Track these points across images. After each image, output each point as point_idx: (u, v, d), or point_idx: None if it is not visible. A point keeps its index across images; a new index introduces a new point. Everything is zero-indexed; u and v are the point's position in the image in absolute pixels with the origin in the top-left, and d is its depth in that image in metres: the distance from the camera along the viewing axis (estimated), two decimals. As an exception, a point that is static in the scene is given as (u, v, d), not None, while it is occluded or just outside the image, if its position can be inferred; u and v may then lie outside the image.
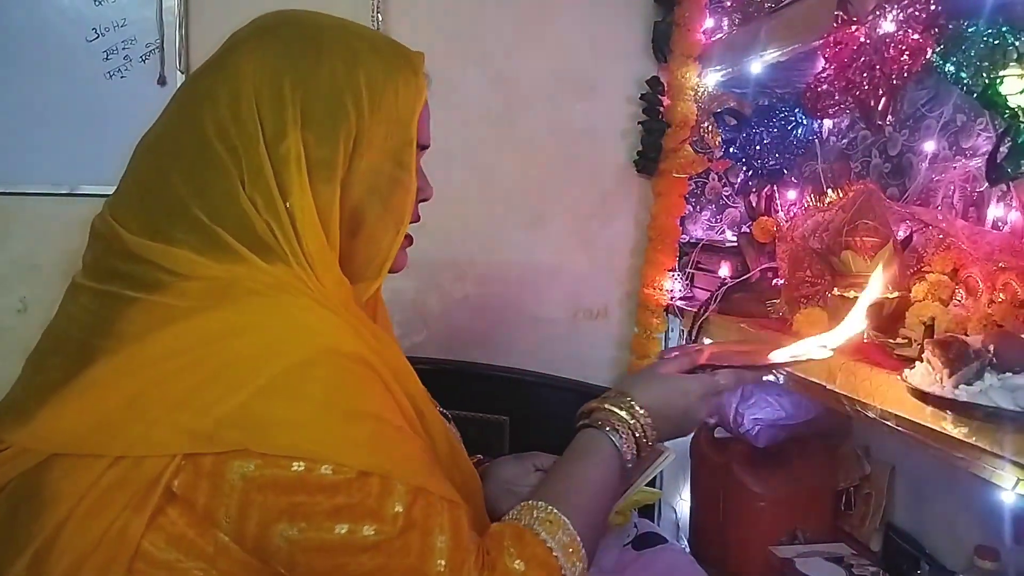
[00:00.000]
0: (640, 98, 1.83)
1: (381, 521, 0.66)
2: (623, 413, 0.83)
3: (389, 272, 0.83)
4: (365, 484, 0.66)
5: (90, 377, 0.69)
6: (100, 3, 1.65)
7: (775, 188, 1.73)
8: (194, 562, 0.67)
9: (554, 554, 0.73)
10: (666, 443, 0.93)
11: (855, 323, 0.89)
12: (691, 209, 1.87)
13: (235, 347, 0.68)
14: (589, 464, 0.82)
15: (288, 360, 0.67)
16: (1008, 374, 0.80)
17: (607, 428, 0.83)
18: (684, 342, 1.71)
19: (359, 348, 0.72)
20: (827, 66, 1.32)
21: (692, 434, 1.80)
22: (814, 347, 0.88)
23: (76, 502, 0.67)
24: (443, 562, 0.67)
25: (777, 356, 0.89)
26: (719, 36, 1.72)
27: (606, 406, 0.84)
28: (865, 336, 1.08)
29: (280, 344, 0.68)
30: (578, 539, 0.75)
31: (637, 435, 0.83)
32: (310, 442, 0.66)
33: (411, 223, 0.84)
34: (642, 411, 0.84)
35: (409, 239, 0.86)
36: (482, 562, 0.70)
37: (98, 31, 1.65)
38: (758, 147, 1.57)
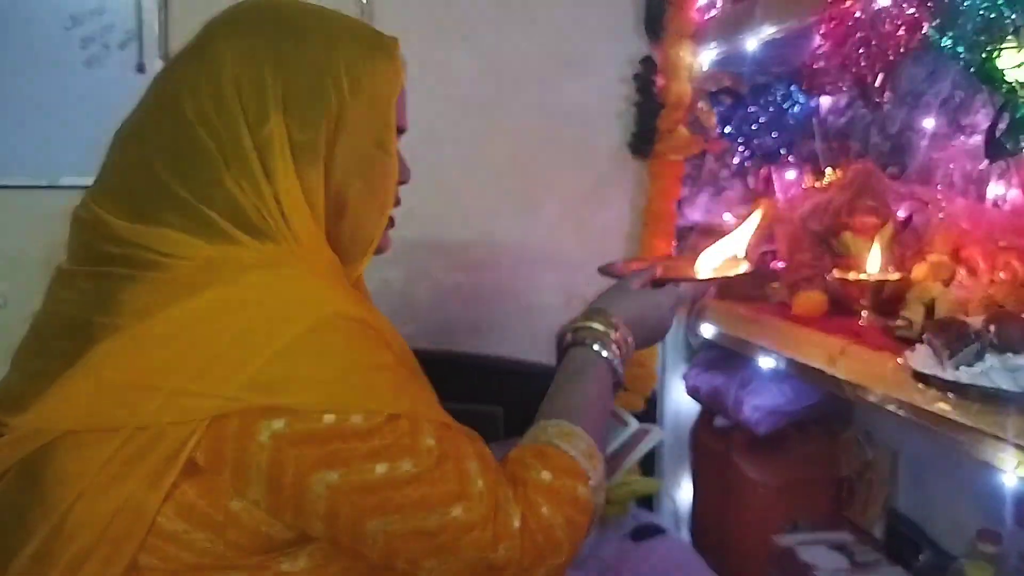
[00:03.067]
0: (633, 78, 1.79)
1: (417, 455, 0.69)
2: (605, 328, 0.90)
3: (374, 254, 0.85)
4: (396, 426, 0.69)
5: (99, 354, 0.69)
6: (77, -9, 1.62)
7: (773, 169, 1.70)
8: (202, 532, 0.68)
9: (577, 462, 0.77)
10: (663, 424, 0.97)
11: (750, 227, 1.06)
12: (687, 191, 1.84)
13: (246, 317, 0.69)
14: (586, 379, 0.87)
15: (301, 325, 0.69)
16: (1009, 354, 0.79)
17: (595, 343, 0.88)
18: (683, 327, 1.70)
19: (360, 311, 0.74)
20: (823, 43, 1.30)
21: (693, 421, 1.79)
22: (734, 259, 1.04)
23: (92, 479, 0.67)
24: (480, 482, 0.71)
25: (703, 272, 1.04)
26: (713, 13, 1.69)
27: (589, 324, 0.90)
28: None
29: (290, 311, 0.70)
30: (595, 445, 0.80)
31: (620, 345, 0.90)
32: (337, 395, 0.68)
33: (393, 207, 0.85)
34: (622, 324, 0.91)
35: (391, 221, 0.87)
36: (513, 479, 0.75)
37: (75, 19, 1.62)
38: (754, 127, 1.55)
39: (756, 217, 1.10)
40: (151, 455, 0.66)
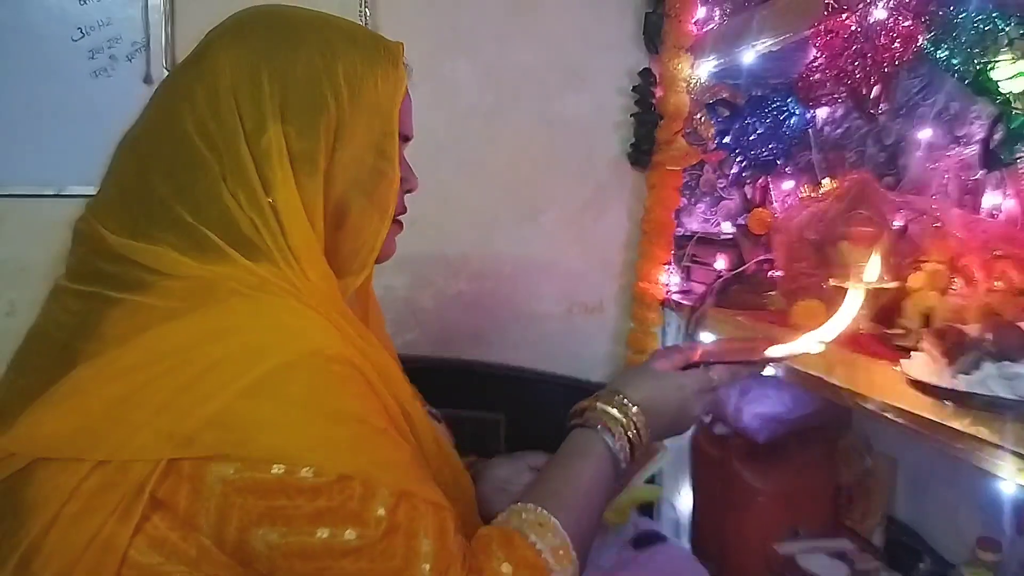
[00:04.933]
0: (632, 90, 1.81)
1: (363, 525, 0.65)
2: (616, 412, 0.82)
3: (377, 262, 0.83)
4: (347, 487, 0.65)
5: (73, 380, 0.68)
6: (85, 2, 1.63)
7: (770, 179, 1.72)
8: (176, 566, 0.66)
9: (543, 557, 0.71)
10: (664, 441, 0.91)
11: (846, 315, 0.87)
12: (686, 202, 1.86)
13: (218, 350, 0.67)
14: (581, 465, 0.80)
15: (270, 363, 0.66)
16: (1006, 362, 0.80)
17: (599, 428, 0.81)
18: (682, 336, 1.70)
19: (344, 350, 0.71)
20: (819, 55, 1.31)
21: (692, 429, 1.79)
22: (808, 341, 0.87)
23: (59, 507, 0.65)
24: (428, 566, 0.66)
25: (773, 352, 0.88)
26: (711, 26, 1.70)
27: (598, 405, 0.83)
28: (860, 327, 1.07)
29: (262, 347, 0.67)
30: (568, 541, 0.73)
31: (630, 434, 0.82)
32: (290, 445, 0.65)
33: (397, 215, 0.83)
34: (635, 409, 0.82)
35: (399, 225, 0.85)
36: (469, 566, 0.69)
37: (83, 30, 1.63)
38: (752, 138, 1.56)
39: (856, 301, 0.89)
40: (118, 488, 0.65)
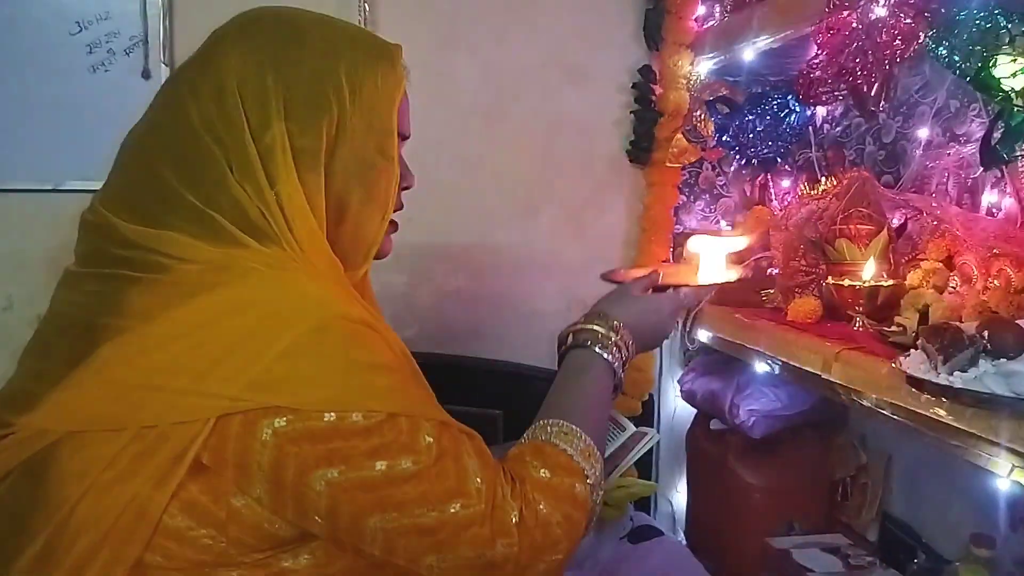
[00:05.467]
0: (632, 87, 1.81)
1: (416, 453, 0.70)
2: (606, 331, 0.91)
3: (375, 258, 0.86)
4: (395, 424, 0.70)
5: (103, 356, 0.70)
6: (82, -4, 1.63)
7: (769, 177, 1.72)
8: (205, 529, 0.69)
9: (575, 460, 0.79)
10: (659, 426, 0.98)
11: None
12: (685, 199, 1.86)
13: (249, 319, 0.71)
14: (586, 380, 0.88)
15: (302, 326, 0.70)
16: (1002, 360, 0.80)
17: (595, 345, 0.90)
18: (680, 333, 1.71)
19: (362, 313, 0.75)
20: (819, 52, 1.31)
21: (689, 424, 1.80)
22: (723, 269, 1.06)
23: (93, 478, 0.68)
24: (479, 479, 0.73)
25: (704, 278, 1.05)
26: (711, 23, 1.70)
27: (590, 326, 0.91)
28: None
29: (292, 313, 0.71)
30: (592, 444, 0.81)
31: (620, 348, 0.91)
32: (337, 394, 0.69)
33: (395, 211, 0.86)
34: (623, 327, 0.92)
35: (394, 225, 0.88)
36: (511, 476, 0.76)
37: (81, 24, 1.63)
38: (751, 135, 1.56)
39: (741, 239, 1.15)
40: (157, 455, 0.67)
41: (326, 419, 0.68)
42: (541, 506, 0.75)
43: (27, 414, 0.71)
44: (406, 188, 0.89)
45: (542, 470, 0.77)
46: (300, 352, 0.69)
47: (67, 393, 0.71)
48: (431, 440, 0.72)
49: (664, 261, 1.72)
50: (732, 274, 1.06)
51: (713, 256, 1.06)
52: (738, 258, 1.15)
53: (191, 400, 0.68)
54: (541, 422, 0.83)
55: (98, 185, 0.80)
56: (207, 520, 0.69)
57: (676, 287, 1.02)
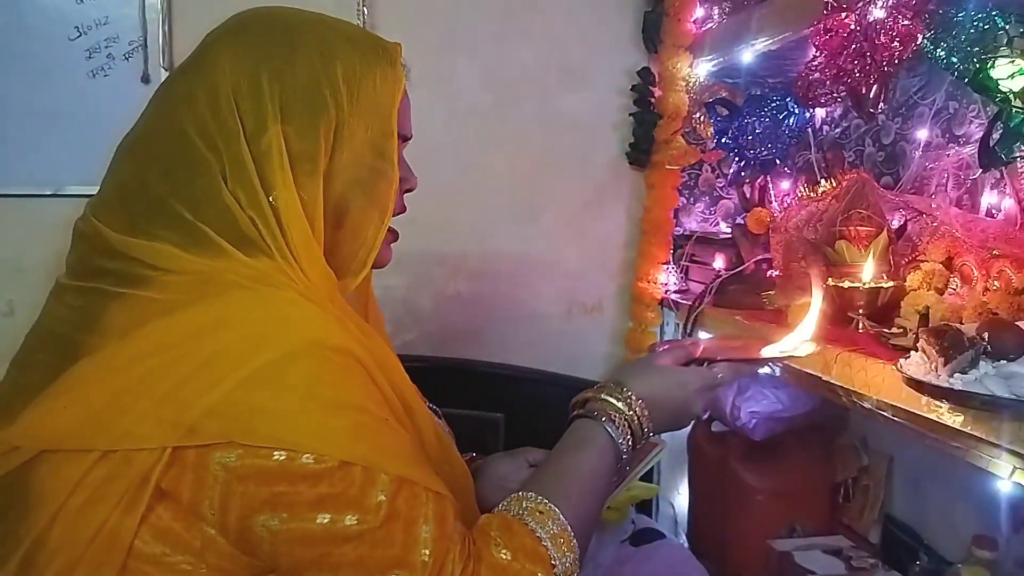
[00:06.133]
0: (631, 89, 1.81)
1: (363, 511, 0.65)
2: (619, 403, 0.82)
3: (374, 268, 0.83)
4: (348, 473, 0.66)
5: (76, 373, 0.69)
6: (82, 1, 1.63)
7: (768, 179, 1.72)
8: (181, 555, 0.67)
9: (543, 544, 0.72)
10: (661, 436, 0.92)
11: (815, 311, 0.91)
12: (684, 201, 1.86)
13: (219, 340, 0.67)
14: (583, 454, 0.80)
15: (272, 352, 0.67)
16: (1003, 362, 0.80)
17: (603, 418, 0.81)
18: (680, 335, 1.70)
19: (344, 340, 0.71)
20: (818, 54, 1.31)
21: (688, 428, 1.80)
22: (801, 341, 0.89)
23: (65, 498, 0.66)
24: (427, 551, 0.66)
25: (768, 351, 0.89)
26: (710, 25, 1.70)
27: (602, 396, 0.83)
28: (858, 325, 1.07)
29: (263, 337, 0.68)
30: (569, 529, 0.73)
31: (633, 426, 0.82)
32: (292, 432, 0.65)
33: (397, 214, 0.84)
34: (638, 401, 0.82)
35: (394, 234, 0.86)
36: (468, 552, 0.69)
37: (80, 29, 1.63)
38: (750, 137, 1.56)
39: (819, 298, 0.95)
40: (123, 478, 0.66)
41: (275, 458, 0.64)
42: None
43: (6, 428, 0.70)
44: (409, 191, 0.87)
45: (503, 551, 0.70)
46: (262, 381, 0.66)
47: (40, 409, 0.69)
48: (383, 498, 0.66)
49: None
50: (797, 348, 0.89)
51: (797, 333, 0.89)
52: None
53: (148, 426, 0.65)
54: (520, 494, 0.76)
55: (98, 190, 0.79)
56: (182, 547, 0.67)
57: (712, 361, 0.88)
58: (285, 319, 0.70)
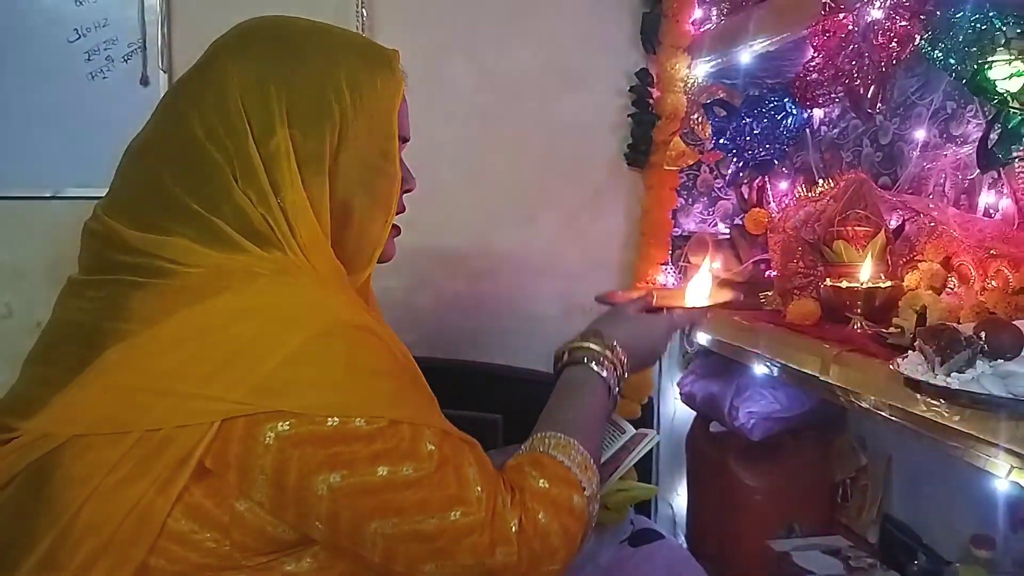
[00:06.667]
0: (629, 90, 1.82)
1: (418, 459, 0.71)
2: (601, 348, 0.91)
3: (378, 262, 0.87)
4: (398, 430, 0.71)
5: (109, 359, 0.71)
6: (81, 3, 1.63)
7: (766, 179, 1.72)
8: (209, 532, 0.70)
9: (572, 472, 0.79)
10: (659, 428, 0.98)
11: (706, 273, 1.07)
12: (683, 202, 1.87)
13: (253, 326, 0.71)
14: (582, 395, 0.89)
15: (307, 332, 0.71)
16: (999, 361, 0.80)
17: (592, 362, 0.90)
18: (679, 334, 1.71)
19: (367, 320, 0.76)
20: (816, 55, 1.31)
21: (689, 426, 1.80)
22: (710, 289, 1.06)
23: (97, 483, 0.68)
24: (479, 488, 0.73)
25: (694, 300, 1.05)
26: (708, 26, 1.71)
27: (585, 344, 0.92)
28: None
29: (297, 319, 0.72)
30: (589, 457, 0.82)
31: (616, 368, 0.91)
32: (340, 400, 0.70)
33: (396, 213, 0.87)
34: (617, 346, 0.92)
35: (397, 229, 0.89)
36: (510, 485, 0.77)
37: (79, 32, 1.63)
38: (748, 138, 1.56)
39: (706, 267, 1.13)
40: (160, 459, 0.68)
41: (329, 424, 0.68)
42: (540, 516, 0.75)
43: (31, 419, 0.72)
44: (408, 191, 0.90)
45: (541, 480, 0.77)
46: (304, 357, 0.70)
47: (71, 397, 0.71)
48: (432, 448, 0.72)
49: (660, 287, 1.75)
50: (722, 296, 1.07)
51: (702, 280, 1.06)
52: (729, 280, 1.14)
53: (196, 404, 0.68)
54: (539, 434, 0.83)
55: (97, 192, 0.80)
56: (210, 524, 0.70)
57: (669, 308, 1.03)
58: (313, 302, 0.74)
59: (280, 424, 0.68)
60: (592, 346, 0.92)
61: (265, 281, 0.73)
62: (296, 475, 0.68)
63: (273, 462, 0.68)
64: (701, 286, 1.06)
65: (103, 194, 0.80)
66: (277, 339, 0.70)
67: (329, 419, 0.68)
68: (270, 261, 0.75)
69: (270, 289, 0.73)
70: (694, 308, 1.05)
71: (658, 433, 1.08)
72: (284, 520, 0.71)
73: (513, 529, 0.73)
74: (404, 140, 0.87)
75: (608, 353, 0.91)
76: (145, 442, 0.68)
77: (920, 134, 1.33)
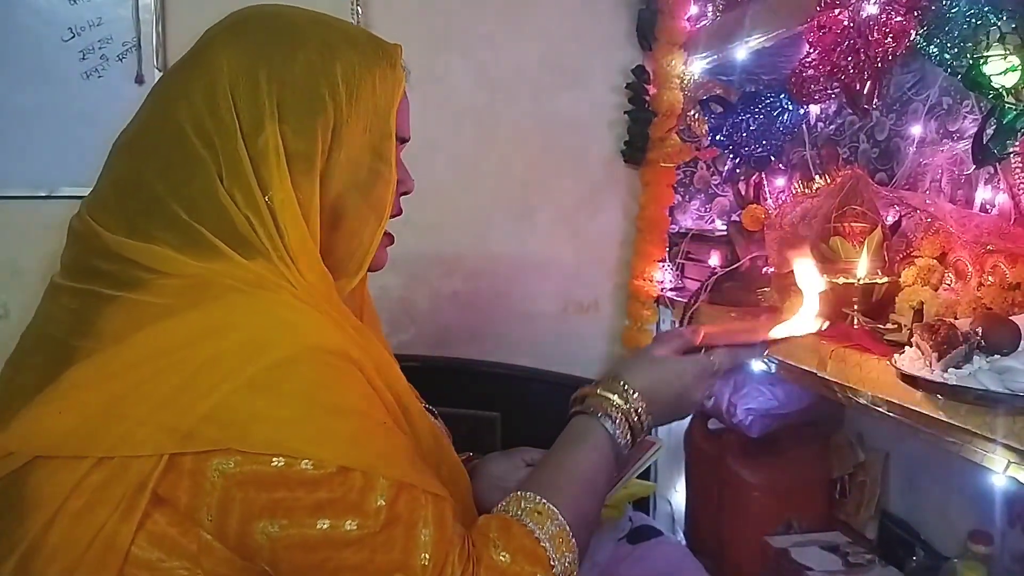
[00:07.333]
0: (626, 87, 1.82)
1: (363, 515, 0.65)
2: (616, 398, 0.82)
3: (369, 270, 0.83)
4: (347, 479, 0.65)
5: (71, 378, 0.68)
6: (75, 2, 1.63)
7: (763, 176, 1.72)
8: (178, 561, 0.67)
9: (542, 545, 0.71)
10: (658, 433, 0.91)
11: (812, 296, 0.89)
12: (680, 198, 1.86)
13: (217, 346, 0.67)
14: (581, 452, 0.80)
15: (271, 357, 0.66)
16: (996, 356, 0.80)
17: (600, 414, 0.81)
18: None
19: (342, 344, 0.71)
20: (811, 51, 1.31)
21: (686, 425, 1.80)
22: (806, 321, 0.87)
23: (60, 504, 0.66)
24: (427, 555, 0.66)
25: (774, 332, 0.88)
26: (704, 23, 1.71)
27: (599, 392, 0.83)
28: (851, 319, 1.07)
29: (262, 342, 0.67)
30: (568, 530, 0.73)
31: (631, 420, 0.82)
32: (290, 438, 0.65)
33: (393, 216, 0.83)
34: (636, 395, 0.82)
35: (390, 238, 0.86)
36: (467, 554, 0.69)
37: (74, 31, 1.63)
38: (745, 134, 1.56)
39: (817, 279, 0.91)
40: (119, 485, 0.65)
41: (273, 464, 0.64)
42: None
43: (2, 430, 0.69)
44: (405, 193, 0.86)
45: (503, 553, 0.70)
46: (260, 387, 0.66)
47: (35, 414, 0.68)
48: (382, 503, 0.66)
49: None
50: (810, 326, 0.87)
51: (805, 308, 0.86)
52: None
53: (145, 432, 0.65)
54: (518, 493, 0.76)
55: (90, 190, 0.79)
56: (177, 552, 0.67)
57: (711, 348, 0.87)
58: (283, 323, 0.69)
59: (226, 461, 0.64)
60: (607, 394, 0.82)
61: (237, 297, 0.69)
62: (237, 519, 0.65)
63: (218, 502, 0.65)
64: (795, 320, 0.87)
65: (85, 196, 0.78)
66: (237, 363, 0.66)
67: (274, 459, 0.64)
68: (249, 271, 0.71)
69: (241, 306, 0.69)
70: (743, 346, 0.89)
71: (657, 432, 0.98)
72: (239, 556, 0.68)
73: None
74: (403, 140, 0.83)
75: (623, 404, 0.81)
76: (103, 467, 0.66)
77: (916, 130, 1.33)
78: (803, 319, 0.87)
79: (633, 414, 0.82)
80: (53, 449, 0.67)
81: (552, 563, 0.71)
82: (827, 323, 0.88)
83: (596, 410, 0.81)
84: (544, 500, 0.74)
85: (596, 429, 0.81)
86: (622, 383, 0.83)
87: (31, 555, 0.66)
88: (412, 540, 0.66)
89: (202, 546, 0.67)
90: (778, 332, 0.88)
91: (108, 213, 0.74)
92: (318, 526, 0.64)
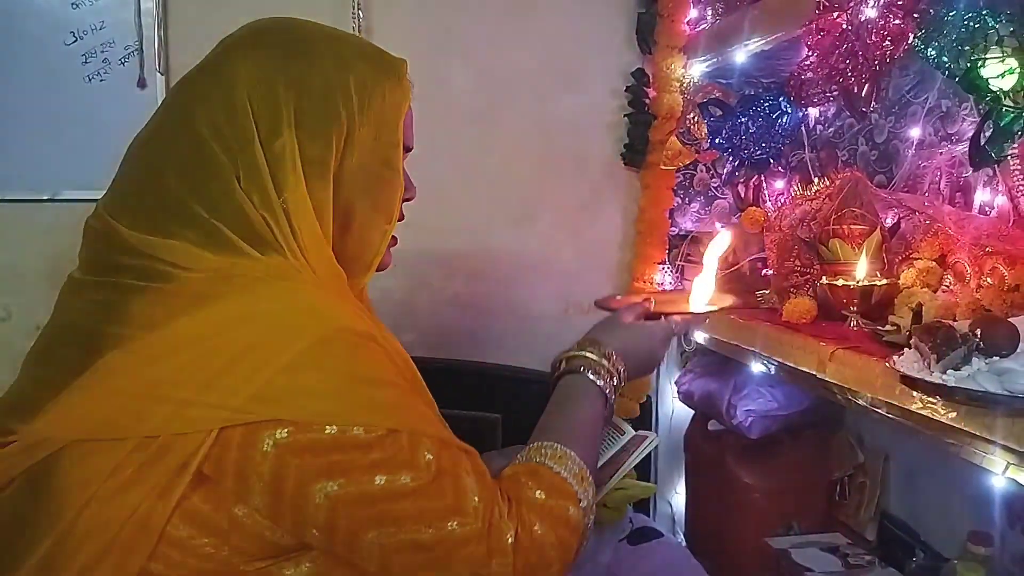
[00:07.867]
0: (625, 90, 1.82)
1: (416, 469, 0.71)
2: (598, 357, 0.91)
3: (376, 270, 0.87)
4: (396, 439, 0.71)
5: (108, 364, 0.71)
6: (77, 6, 1.63)
7: (762, 178, 1.73)
8: (207, 538, 0.70)
9: (568, 482, 0.79)
10: (658, 429, 0.96)
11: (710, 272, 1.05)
12: (679, 201, 1.87)
13: (254, 331, 0.71)
14: (579, 405, 0.89)
15: (307, 339, 0.70)
16: (995, 358, 0.80)
17: (589, 372, 0.90)
18: (678, 337, 1.71)
19: (366, 326, 0.75)
20: (810, 54, 1.32)
21: (687, 425, 1.81)
22: (718, 298, 1.05)
23: (96, 487, 0.68)
24: (476, 498, 0.73)
25: (697, 306, 1.04)
26: (703, 26, 1.71)
27: (582, 353, 0.92)
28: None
29: (296, 326, 0.72)
30: (586, 468, 0.82)
31: (613, 376, 0.91)
32: (339, 408, 0.70)
33: (396, 222, 0.87)
34: (614, 355, 0.92)
35: (393, 240, 0.89)
36: (507, 496, 0.76)
37: (76, 35, 1.63)
38: (744, 137, 1.57)
39: (721, 244, 1.10)
40: (159, 465, 0.68)
41: (327, 432, 0.68)
42: (536, 527, 0.75)
43: (30, 422, 0.71)
44: (408, 200, 0.90)
45: (537, 492, 0.77)
46: (303, 365, 0.69)
47: (70, 401, 0.71)
48: (431, 457, 0.72)
49: (658, 291, 1.74)
50: (723, 302, 1.05)
51: (704, 285, 1.04)
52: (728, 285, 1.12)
53: (194, 411, 0.68)
54: (536, 444, 0.83)
55: (96, 195, 0.80)
56: (209, 529, 0.69)
57: (667, 315, 1.02)
58: (312, 309, 0.74)
59: (279, 432, 0.67)
60: (589, 355, 0.91)
61: (265, 286, 0.73)
62: (294, 483, 0.68)
63: (271, 469, 0.68)
64: (703, 291, 1.04)
65: (101, 197, 0.80)
66: (276, 346, 0.70)
67: (327, 427, 0.68)
68: (270, 266, 0.74)
69: (270, 295, 0.73)
70: (692, 314, 1.04)
71: (656, 433, 1.06)
72: (281, 526, 0.71)
73: (509, 541, 0.73)
74: (408, 149, 0.87)
75: (605, 362, 0.91)
76: (143, 448, 0.68)
77: (915, 132, 1.34)
78: (707, 297, 1.05)
79: (614, 371, 0.92)
80: (93, 432, 0.69)
81: (579, 497, 0.79)
82: (737, 300, 1.07)
83: (584, 368, 0.91)
84: (561, 445, 0.82)
85: (586, 384, 0.90)
86: (601, 345, 0.93)
87: (63, 539, 0.68)
88: (461, 487, 0.73)
89: (232, 522, 0.70)
90: (700, 306, 1.04)
91: (128, 212, 0.76)
92: (376, 482, 0.69)
